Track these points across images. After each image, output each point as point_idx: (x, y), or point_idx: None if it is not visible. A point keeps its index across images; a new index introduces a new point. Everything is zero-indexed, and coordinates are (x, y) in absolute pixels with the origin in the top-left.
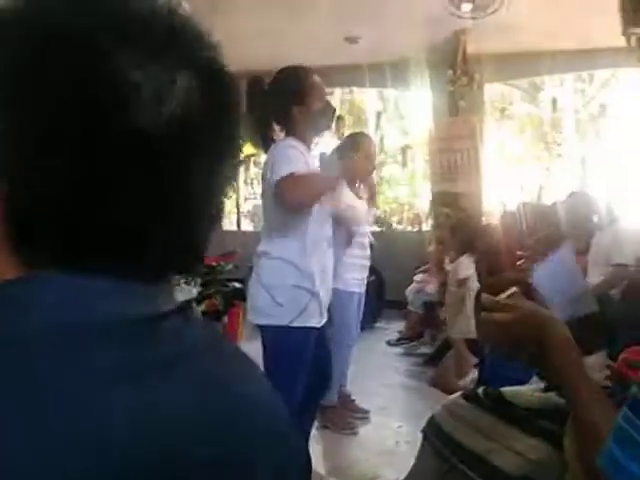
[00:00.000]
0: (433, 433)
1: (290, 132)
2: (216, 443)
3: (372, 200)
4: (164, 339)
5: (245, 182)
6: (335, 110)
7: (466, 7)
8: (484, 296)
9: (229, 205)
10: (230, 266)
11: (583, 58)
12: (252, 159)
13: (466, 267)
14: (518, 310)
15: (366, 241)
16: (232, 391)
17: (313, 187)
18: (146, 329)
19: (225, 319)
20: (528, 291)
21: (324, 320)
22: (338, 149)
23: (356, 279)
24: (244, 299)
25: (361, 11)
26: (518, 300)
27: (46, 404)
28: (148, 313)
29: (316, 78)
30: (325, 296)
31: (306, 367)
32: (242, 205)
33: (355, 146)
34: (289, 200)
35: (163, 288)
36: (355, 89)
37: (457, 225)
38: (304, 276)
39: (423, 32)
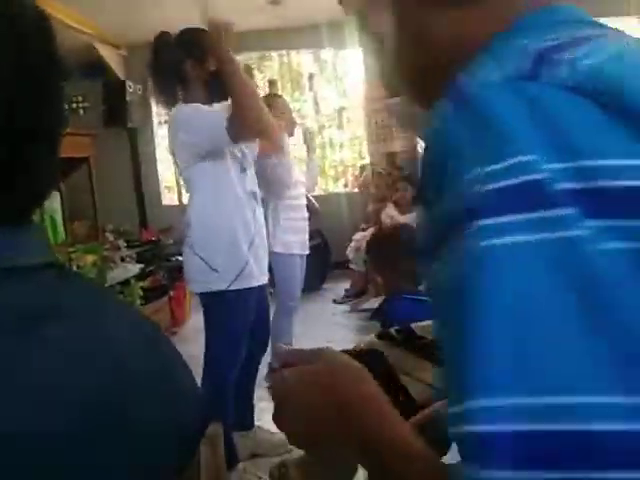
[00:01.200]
0: None
1: (186, 92)
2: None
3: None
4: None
5: None
6: None
7: None
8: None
9: (170, 180)
10: (171, 241)
11: None
12: None
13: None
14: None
15: (302, 203)
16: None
17: (250, 104)
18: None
19: (171, 293)
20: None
21: (265, 278)
22: None
23: (295, 241)
24: None
25: None
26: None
27: None
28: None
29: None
30: (263, 253)
31: (248, 328)
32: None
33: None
34: (249, 129)
35: (29, 237)
36: (292, 52)
37: (393, 183)
38: (235, 239)
39: None
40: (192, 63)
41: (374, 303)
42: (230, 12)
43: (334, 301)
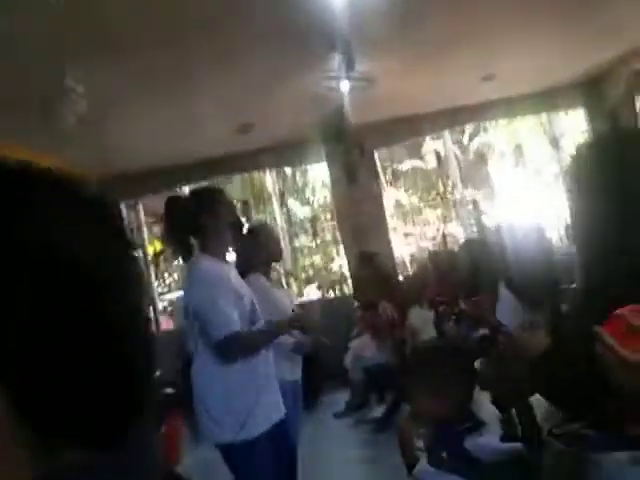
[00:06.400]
0: None
1: (203, 246)
2: None
3: None
4: None
5: (156, 277)
6: (243, 225)
7: (344, 85)
8: None
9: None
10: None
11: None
12: (161, 256)
13: None
14: None
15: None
16: None
17: (253, 346)
18: None
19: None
20: None
21: (280, 414)
22: (242, 245)
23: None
24: (180, 405)
25: (253, 99)
26: None
27: None
28: None
29: (226, 196)
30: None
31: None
32: (158, 303)
33: (256, 240)
34: (230, 358)
35: None
36: (255, 173)
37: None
38: (235, 386)
39: (310, 111)
40: (209, 221)
41: (379, 412)
42: (196, 140)
43: (334, 415)
